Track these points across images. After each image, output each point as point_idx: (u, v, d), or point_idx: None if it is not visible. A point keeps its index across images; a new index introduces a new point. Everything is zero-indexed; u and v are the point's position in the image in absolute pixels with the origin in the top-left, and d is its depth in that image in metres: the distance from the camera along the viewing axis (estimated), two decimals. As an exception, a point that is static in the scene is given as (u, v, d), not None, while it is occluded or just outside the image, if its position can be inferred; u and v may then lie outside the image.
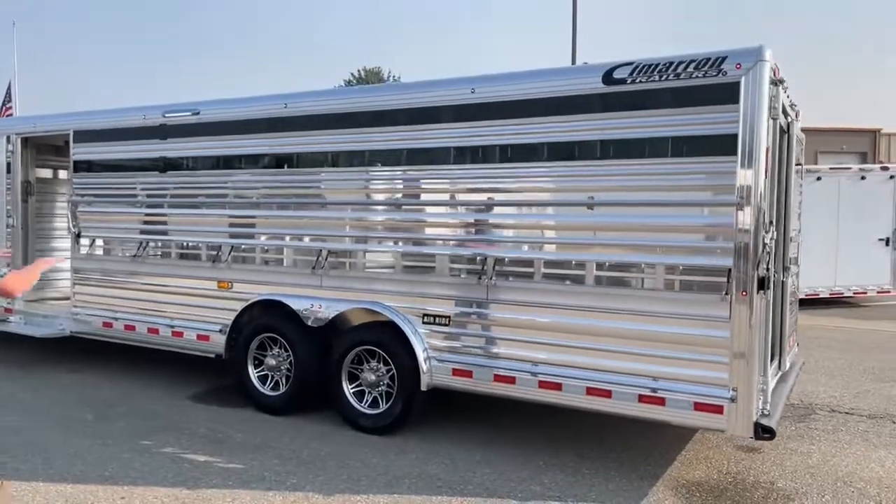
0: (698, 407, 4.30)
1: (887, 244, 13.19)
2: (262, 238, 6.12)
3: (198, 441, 5.26)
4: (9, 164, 7.80)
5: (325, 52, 63.80)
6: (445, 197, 5.24)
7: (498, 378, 4.95)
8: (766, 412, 4.38)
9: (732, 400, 4.20)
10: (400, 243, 5.42)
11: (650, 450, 5.16)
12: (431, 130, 5.21)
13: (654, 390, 4.44)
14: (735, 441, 5.38)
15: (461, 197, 5.16)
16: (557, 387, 4.74)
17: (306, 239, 5.87)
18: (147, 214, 6.78)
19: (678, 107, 4.35)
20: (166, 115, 6.55)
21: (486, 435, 5.45)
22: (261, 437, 5.36)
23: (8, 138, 7.77)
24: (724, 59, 4.20)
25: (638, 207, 4.54)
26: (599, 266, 4.66)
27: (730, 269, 4.20)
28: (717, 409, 4.24)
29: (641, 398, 4.48)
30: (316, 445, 5.18)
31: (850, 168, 13.75)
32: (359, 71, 36.02)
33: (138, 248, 6.78)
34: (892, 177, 13.23)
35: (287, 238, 5.97)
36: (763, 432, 4.22)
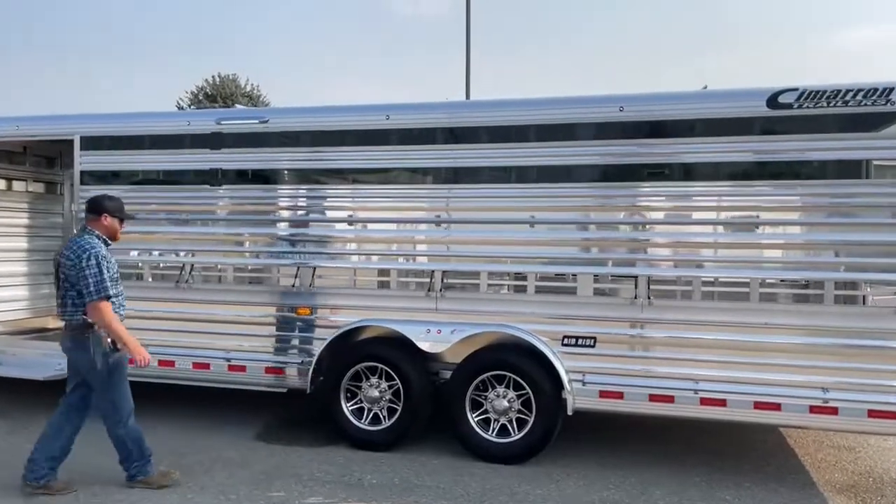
0: (873, 414, 4.57)
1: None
2: (358, 259, 5.65)
3: (331, 487, 4.71)
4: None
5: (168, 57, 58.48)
6: (591, 215, 5.15)
7: (654, 398, 4.93)
8: (921, 415, 4.76)
9: (908, 406, 4.52)
10: (536, 264, 5.23)
11: (766, 458, 5.40)
12: (571, 147, 5.10)
13: (825, 401, 4.65)
14: (826, 441, 5.79)
15: (609, 216, 5.11)
16: (722, 403, 4.81)
17: (420, 259, 5.49)
18: (195, 234, 5.97)
19: (846, 132, 4.62)
20: (221, 122, 5.83)
21: (608, 455, 5.38)
22: (395, 476, 4.92)
23: (-24, 143, 6.51)
24: (892, 90, 4.53)
25: (807, 227, 4.78)
26: (765, 283, 4.82)
27: (903, 284, 4.53)
28: (894, 416, 4.54)
29: (812, 409, 4.67)
30: (466, 481, 4.84)
31: None
32: (213, 77, 33.89)
33: (181, 273, 5.93)
34: None
35: (397, 259, 5.54)
36: (930, 434, 4.59)
